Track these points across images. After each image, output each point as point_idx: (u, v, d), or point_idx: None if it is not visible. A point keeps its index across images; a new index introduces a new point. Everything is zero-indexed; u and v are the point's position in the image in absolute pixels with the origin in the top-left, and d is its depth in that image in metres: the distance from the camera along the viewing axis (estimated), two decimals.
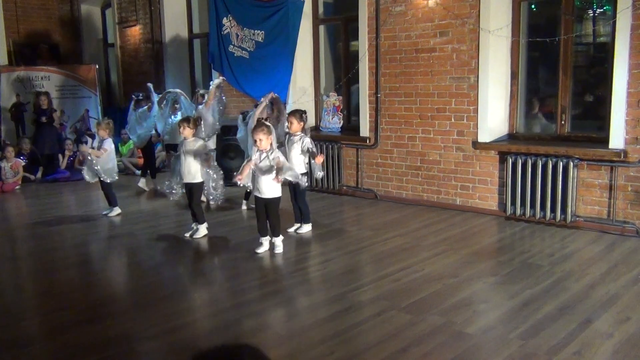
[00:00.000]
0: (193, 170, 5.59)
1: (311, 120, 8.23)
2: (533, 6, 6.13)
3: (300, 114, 5.67)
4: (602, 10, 5.97)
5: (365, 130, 7.27)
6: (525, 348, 3.21)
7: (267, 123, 5.12)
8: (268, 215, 5.09)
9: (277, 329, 3.66)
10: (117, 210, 6.72)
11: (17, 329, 3.68)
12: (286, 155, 5.57)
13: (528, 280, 4.28)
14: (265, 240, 5.16)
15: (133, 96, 8.11)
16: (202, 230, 5.70)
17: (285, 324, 3.74)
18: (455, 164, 6.50)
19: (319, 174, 5.67)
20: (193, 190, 5.64)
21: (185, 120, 5.73)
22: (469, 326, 3.52)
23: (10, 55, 10.83)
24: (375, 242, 5.42)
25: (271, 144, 4.95)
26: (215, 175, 5.64)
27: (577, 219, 5.64)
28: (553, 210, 5.68)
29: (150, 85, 7.79)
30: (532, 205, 5.81)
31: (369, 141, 7.24)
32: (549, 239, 5.45)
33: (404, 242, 5.37)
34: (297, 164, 5.60)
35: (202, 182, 5.64)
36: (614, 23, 5.26)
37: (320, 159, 5.55)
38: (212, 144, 7.10)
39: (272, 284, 4.46)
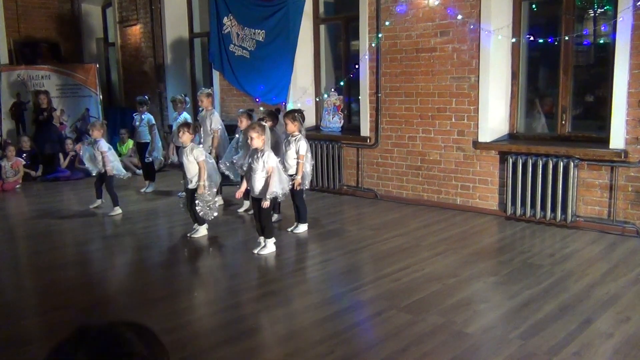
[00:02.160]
0: (191, 175, 5.56)
1: (312, 120, 8.24)
2: (534, 6, 6.12)
3: (293, 114, 5.65)
4: (602, 10, 5.96)
5: (365, 129, 7.27)
6: (525, 348, 3.21)
7: (263, 123, 5.12)
8: (260, 215, 5.08)
9: (277, 328, 3.66)
10: (117, 210, 6.73)
11: (17, 327, 3.68)
12: (283, 155, 5.62)
13: (528, 280, 4.28)
14: (263, 240, 5.14)
15: (138, 98, 8.14)
16: (202, 230, 5.69)
17: (285, 323, 3.73)
18: (456, 164, 6.50)
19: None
20: (193, 195, 5.61)
21: (185, 125, 5.64)
22: (469, 326, 3.52)
23: (10, 54, 10.83)
24: (376, 241, 5.42)
25: (264, 145, 4.94)
26: (208, 190, 5.54)
27: (578, 219, 5.64)
28: (553, 210, 5.67)
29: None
30: (533, 205, 5.80)
31: (370, 141, 7.24)
32: (549, 239, 5.45)
33: (404, 242, 5.37)
34: (293, 165, 5.62)
35: None
36: (615, 23, 5.26)
37: (297, 183, 5.53)
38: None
39: (272, 284, 4.46)
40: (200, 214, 5.55)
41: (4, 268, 5.06)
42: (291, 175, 5.51)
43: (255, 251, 5.07)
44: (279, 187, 4.95)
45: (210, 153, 6.49)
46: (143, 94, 8.85)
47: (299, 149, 5.56)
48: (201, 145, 6.16)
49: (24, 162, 8.90)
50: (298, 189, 5.56)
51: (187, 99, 7.84)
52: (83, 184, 8.85)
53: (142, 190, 8.02)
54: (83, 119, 10.26)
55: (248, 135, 4.98)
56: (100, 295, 4.29)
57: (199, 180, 5.48)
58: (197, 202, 5.51)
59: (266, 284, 4.45)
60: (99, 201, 7.02)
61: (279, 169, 5.01)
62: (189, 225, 5.87)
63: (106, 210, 6.79)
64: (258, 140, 4.90)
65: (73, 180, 9.08)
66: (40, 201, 7.81)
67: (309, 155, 5.73)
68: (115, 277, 4.85)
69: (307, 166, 5.68)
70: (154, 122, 8.10)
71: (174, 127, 7.70)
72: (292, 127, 5.59)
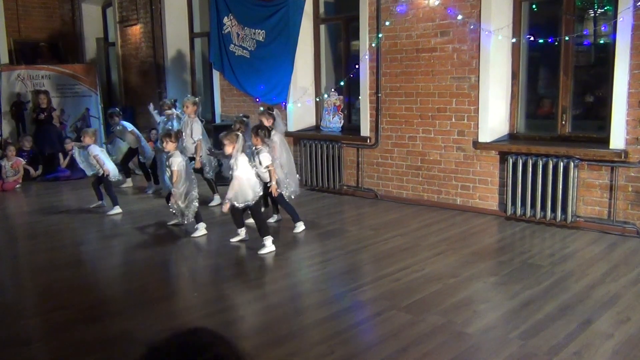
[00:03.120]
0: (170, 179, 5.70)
1: (312, 120, 8.25)
2: (534, 6, 6.12)
3: (256, 130, 5.50)
4: (603, 10, 5.96)
5: (365, 130, 7.27)
6: (525, 348, 3.21)
7: (238, 133, 5.28)
8: (252, 215, 5.33)
9: (277, 328, 3.66)
10: (117, 210, 6.74)
11: (17, 327, 3.68)
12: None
13: (528, 280, 4.28)
14: (242, 231, 5.45)
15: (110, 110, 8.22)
16: (202, 230, 5.71)
17: (285, 323, 3.73)
18: (456, 164, 6.50)
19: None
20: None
21: (166, 135, 5.70)
22: (469, 326, 3.52)
23: (11, 54, 10.83)
24: (376, 241, 5.42)
25: (234, 152, 5.10)
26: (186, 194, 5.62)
27: (578, 219, 5.64)
28: (553, 210, 5.67)
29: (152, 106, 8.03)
30: (533, 206, 5.80)
31: (370, 141, 7.24)
32: (549, 239, 5.45)
33: (404, 242, 5.37)
34: (265, 173, 5.54)
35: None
36: (615, 23, 5.25)
37: (273, 190, 5.55)
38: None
39: (272, 284, 4.46)
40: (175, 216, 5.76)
41: (4, 268, 5.06)
42: (267, 183, 5.56)
43: (232, 240, 5.40)
44: (232, 194, 5.09)
45: (192, 160, 6.56)
46: (117, 106, 9.05)
47: (262, 161, 5.47)
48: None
49: (24, 162, 8.90)
50: (275, 195, 5.63)
51: (177, 104, 7.67)
52: (83, 183, 8.84)
53: (121, 185, 8.12)
54: (83, 118, 10.26)
55: (222, 142, 5.20)
56: (99, 295, 4.29)
57: (173, 186, 5.61)
58: (171, 206, 5.68)
59: (266, 284, 4.45)
60: (99, 202, 7.04)
61: (241, 178, 5.10)
62: (188, 224, 5.87)
63: (106, 210, 6.80)
64: (229, 147, 5.13)
65: (73, 180, 9.08)
66: (40, 201, 7.81)
67: (278, 162, 5.75)
68: (114, 277, 4.85)
69: (279, 172, 5.68)
70: (131, 127, 8.07)
71: (160, 131, 7.62)
72: (254, 141, 5.54)
